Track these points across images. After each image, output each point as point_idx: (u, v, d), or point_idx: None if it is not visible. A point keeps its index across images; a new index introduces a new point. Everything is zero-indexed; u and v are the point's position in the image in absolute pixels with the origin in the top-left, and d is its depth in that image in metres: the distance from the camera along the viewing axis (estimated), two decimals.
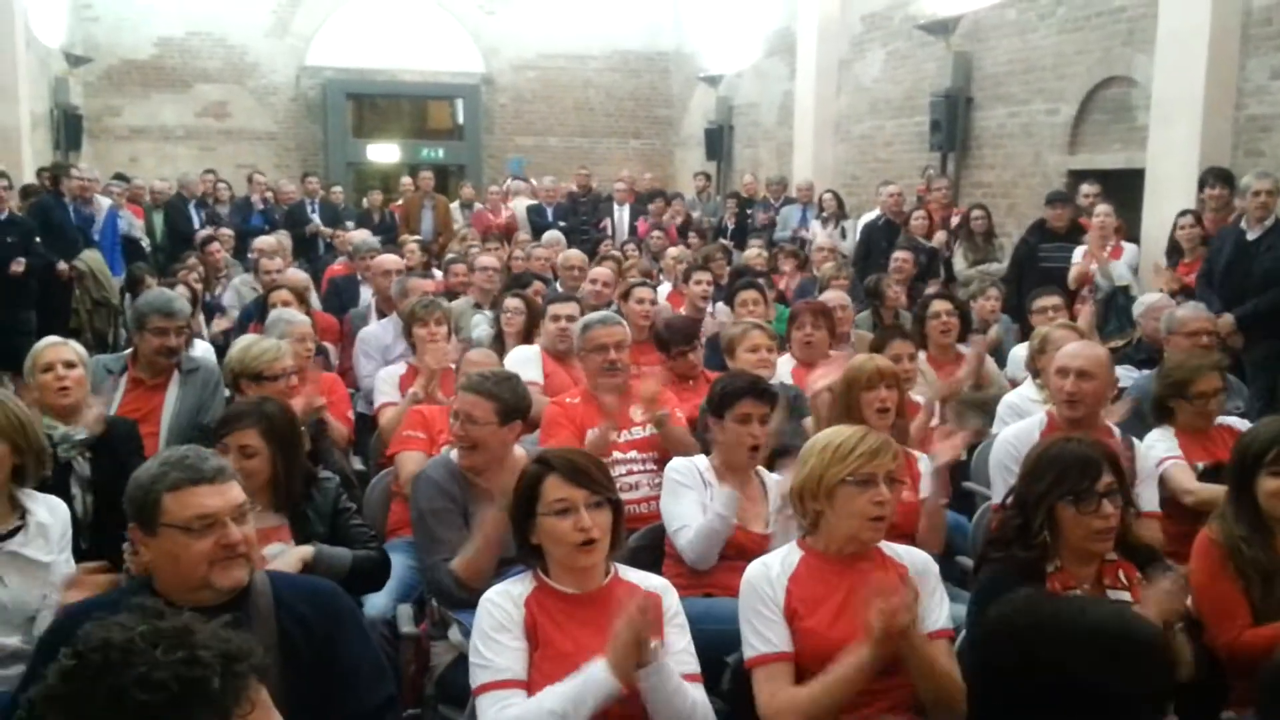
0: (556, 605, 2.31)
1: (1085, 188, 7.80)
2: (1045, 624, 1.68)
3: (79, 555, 2.82)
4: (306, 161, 14.65)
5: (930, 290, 6.37)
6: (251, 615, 2.02)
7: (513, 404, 3.19)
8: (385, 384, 4.70)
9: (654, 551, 3.24)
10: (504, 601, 2.30)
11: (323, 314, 6.28)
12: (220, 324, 6.25)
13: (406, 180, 12.33)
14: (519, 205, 11.59)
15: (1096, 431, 3.27)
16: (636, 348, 4.73)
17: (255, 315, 5.74)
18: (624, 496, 2.55)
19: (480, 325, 5.84)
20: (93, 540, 3.07)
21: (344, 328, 6.21)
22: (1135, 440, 3.52)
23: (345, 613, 2.21)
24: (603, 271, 6.39)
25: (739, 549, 3.04)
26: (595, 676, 2.13)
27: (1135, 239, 7.20)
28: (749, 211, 11.38)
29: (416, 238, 9.45)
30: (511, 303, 5.39)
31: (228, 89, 14.68)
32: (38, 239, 7.66)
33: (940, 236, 8.54)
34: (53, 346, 3.50)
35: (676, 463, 3.31)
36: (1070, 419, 3.44)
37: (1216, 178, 6.54)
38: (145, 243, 10.41)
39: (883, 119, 11.12)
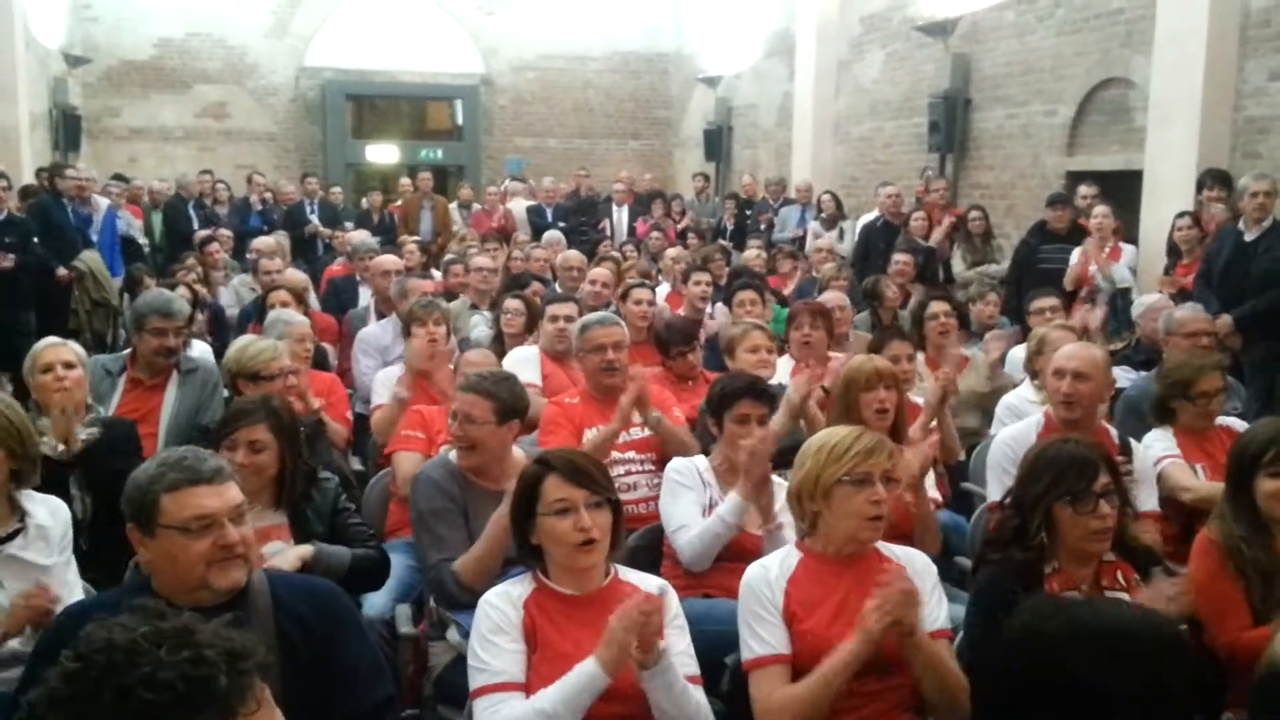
0: (556, 606, 2.32)
1: (1083, 189, 7.82)
2: (1075, 628, 1.68)
3: (79, 556, 2.81)
4: (306, 162, 14.65)
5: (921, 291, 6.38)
6: (250, 615, 2.02)
7: (511, 403, 3.19)
8: (383, 385, 4.69)
9: (653, 552, 3.25)
10: (502, 603, 2.31)
11: (321, 314, 6.28)
12: (201, 320, 6.18)
13: (405, 181, 12.33)
14: (517, 206, 11.59)
15: (1093, 433, 3.28)
16: (635, 349, 4.73)
17: (254, 316, 5.74)
18: (622, 497, 2.55)
19: (479, 326, 5.84)
20: (92, 541, 3.07)
21: (343, 328, 6.21)
22: (1133, 441, 3.52)
23: (344, 613, 2.21)
24: (601, 272, 6.40)
25: (738, 550, 3.03)
26: (585, 674, 2.13)
27: (1133, 240, 7.21)
28: (748, 212, 11.39)
29: (415, 238, 9.45)
30: (512, 304, 5.39)
31: (227, 90, 14.68)
32: (36, 239, 7.66)
33: (935, 233, 8.52)
34: (52, 347, 3.50)
35: (676, 463, 3.31)
36: (1067, 420, 3.44)
37: (1215, 179, 6.56)
38: (144, 243, 10.41)
39: (881, 120, 11.13)
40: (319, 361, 4.99)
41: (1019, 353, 4.92)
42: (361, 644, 2.20)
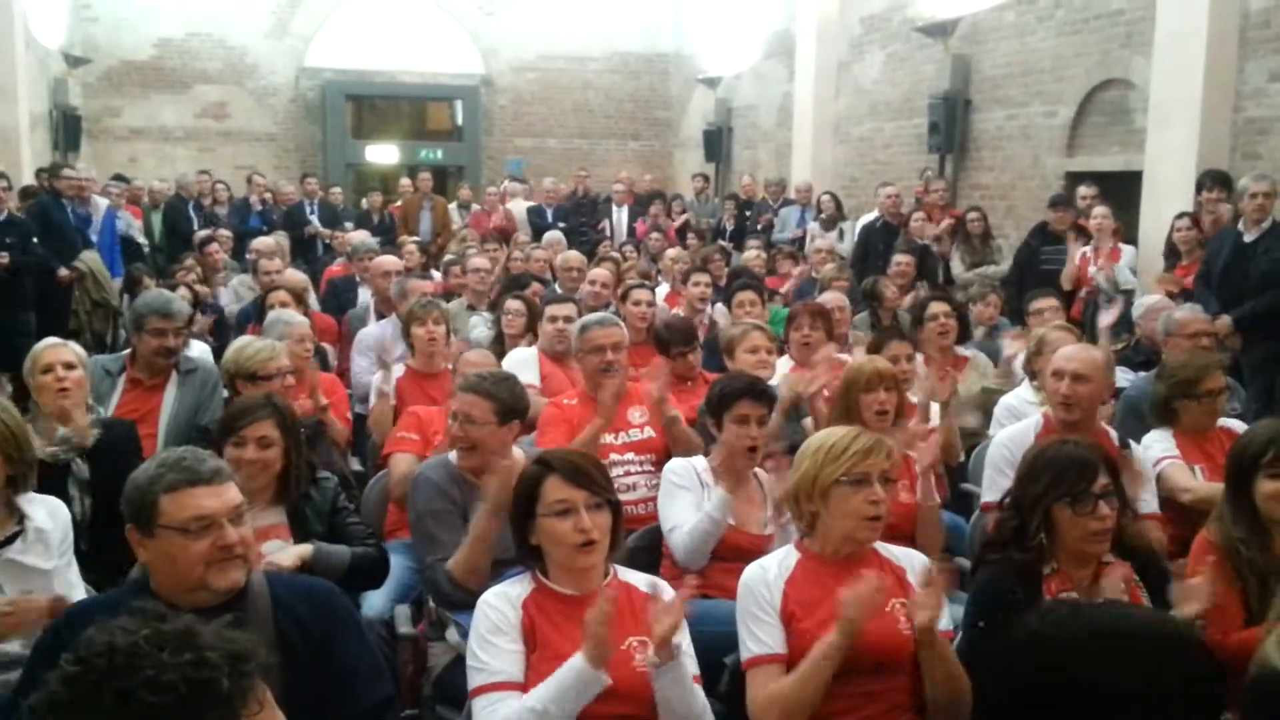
0: (555, 606, 2.32)
1: (1083, 190, 7.82)
2: (1088, 631, 1.68)
3: (78, 557, 2.80)
4: (305, 162, 14.65)
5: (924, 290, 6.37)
6: (249, 616, 2.02)
7: (511, 404, 3.19)
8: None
9: (652, 552, 3.25)
10: (501, 604, 2.31)
11: (321, 315, 6.28)
12: (203, 323, 6.19)
13: (405, 181, 12.34)
14: (517, 206, 11.60)
15: (1092, 434, 3.28)
16: (634, 349, 4.73)
17: (253, 316, 5.74)
18: (622, 497, 2.55)
19: (478, 327, 5.84)
20: (92, 542, 3.07)
21: (342, 329, 6.21)
22: (1133, 443, 3.52)
23: (342, 613, 2.21)
24: (601, 273, 6.40)
25: (737, 550, 3.04)
26: (573, 669, 2.13)
27: (1133, 241, 7.22)
28: (748, 213, 11.39)
29: (415, 239, 9.46)
30: (513, 305, 5.39)
31: (227, 90, 14.68)
32: (35, 240, 7.66)
33: (931, 230, 8.51)
34: (52, 348, 3.50)
35: (674, 463, 3.31)
36: (1066, 421, 3.44)
37: (1214, 180, 6.56)
38: (144, 244, 10.41)
39: (881, 121, 11.13)
40: (318, 362, 4.99)
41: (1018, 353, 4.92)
42: (360, 644, 2.20)
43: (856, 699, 2.31)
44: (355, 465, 4.53)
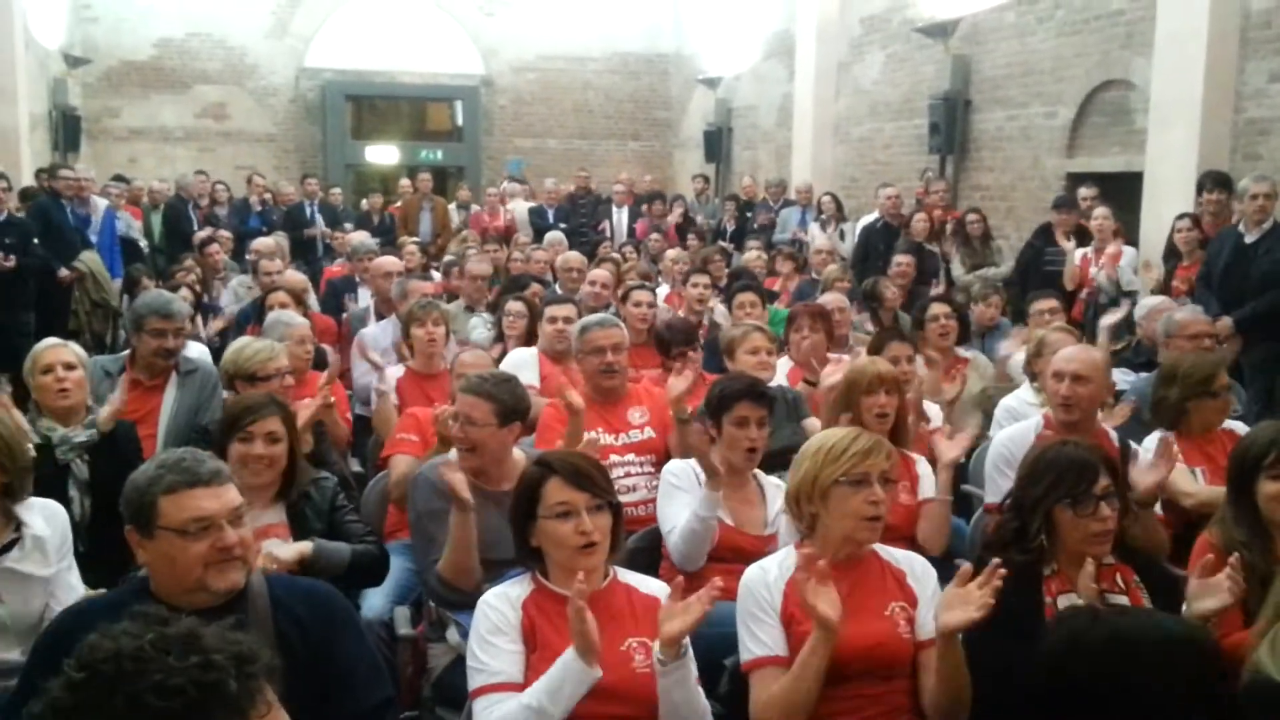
0: (555, 608, 2.31)
1: (1083, 190, 7.83)
2: (1115, 637, 1.67)
3: (77, 558, 2.79)
4: (305, 163, 14.66)
5: (933, 292, 6.36)
6: (249, 617, 2.02)
7: (511, 405, 3.19)
8: (384, 385, 4.69)
9: (651, 554, 3.24)
10: (501, 604, 2.31)
11: (321, 316, 6.28)
12: (216, 324, 6.24)
13: (405, 182, 12.34)
14: (518, 207, 11.60)
15: (1092, 435, 3.28)
16: (635, 350, 4.73)
17: (253, 317, 5.74)
18: (621, 499, 2.55)
19: (478, 328, 5.84)
20: (91, 542, 3.06)
21: (342, 329, 6.20)
22: (1133, 444, 3.52)
23: (342, 614, 2.21)
24: (601, 273, 6.40)
25: (736, 552, 3.03)
26: (564, 664, 2.13)
27: (1133, 242, 7.22)
28: (748, 214, 11.39)
29: (415, 239, 9.45)
30: (514, 306, 5.38)
31: (227, 90, 14.68)
32: (36, 240, 7.66)
33: (922, 226, 8.51)
34: (53, 348, 3.50)
35: (672, 465, 3.31)
36: (1065, 423, 3.44)
37: (1215, 181, 6.56)
38: (144, 244, 10.41)
39: (881, 121, 11.13)
40: (318, 363, 4.99)
41: (1019, 355, 4.92)
42: (360, 645, 2.20)
43: (856, 701, 2.31)
44: (355, 466, 4.53)
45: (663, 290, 7.18)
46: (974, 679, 2.30)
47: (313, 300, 6.66)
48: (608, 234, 11.40)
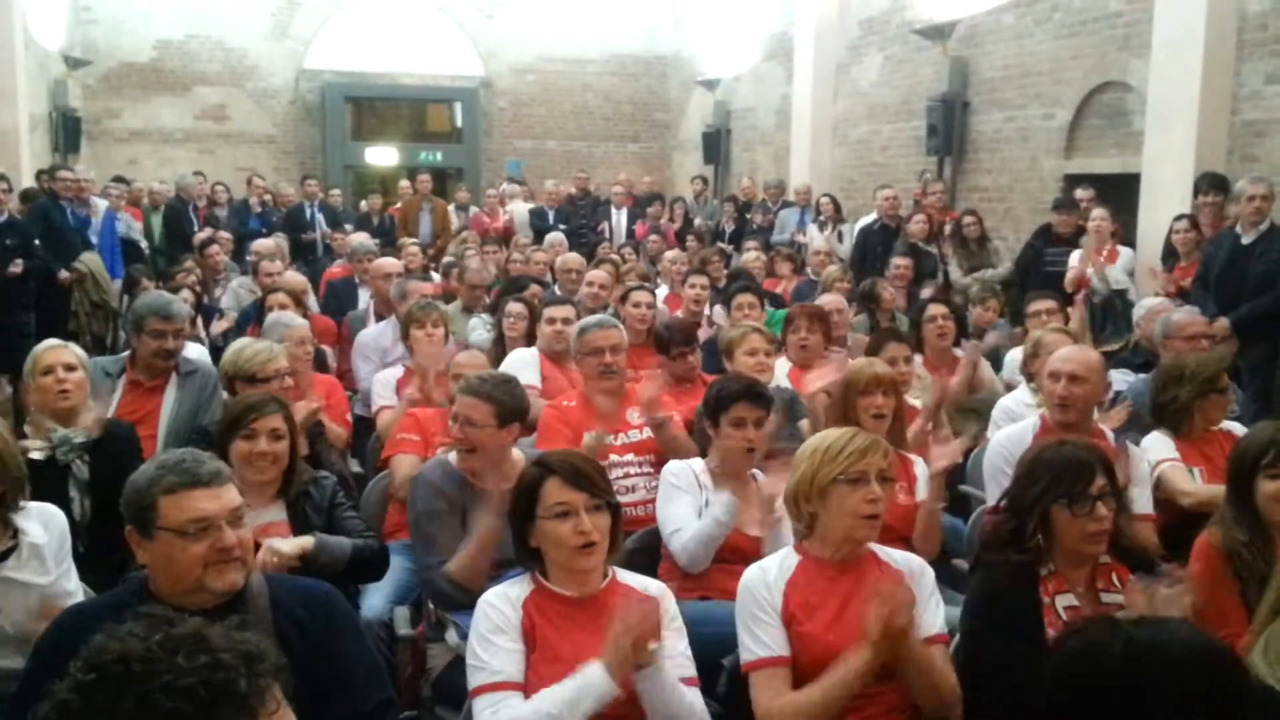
0: (554, 608, 2.32)
1: (1080, 192, 7.84)
2: (1133, 648, 1.66)
3: (77, 558, 2.78)
4: (305, 164, 14.66)
5: (926, 292, 6.36)
6: (248, 618, 2.02)
7: (511, 406, 3.20)
8: (383, 387, 4.71)
9: (650, 554, 3.25)
10: (501, 604, 2.31)
11: (321, 317, 6.29)
12: (220, 325, 6.26)
13: (405, 183, 12.35)
14: (517, 208, 11.60)
15: (1089, 435, 3.29)
16: (634, 351, 4.74)
17: (253, 318, 5.75)
18: (620, 499, 2.56)
19: (477, 329, 5.84)
20: (90, 543, 3.07)
21: (342, 330, 6.21)
22: (1131, 444, 3.53)
23: (341, 615, 2.22)
24: (599, 274, 6.41)
25: (736, 552, 3.04)
26: (591, 679, 2.13)
27: (1131, 243, 7.24)
28: (747, 215, 11.40)
29: (415, 240, 9.46)
30: (514, 307, 5.39)
31: (227, 92, 14.68)
32: (36, 242, 7.67)
33: (920, 228, 8.52)
34: (53, 349, 3.50)
35: (672, 465, 3.32)
36: (1062, 423, 3.45)
37: (1210, 183, 6.57)
38: (144, 245, 10.42)
39: (880, 123, 11.14)
40: (318, 364, 5.00)
41: (1016, 355, 4.94)
42: (359, 645, 2.21)
43: (856, 701, 2.31)
44: (355, 467, 4.53)
45: (661, 291, 7.20)
46: (973, 679, 2.31)
47: (312, 301, 6.67)
48: (607, 235, 11.41)
